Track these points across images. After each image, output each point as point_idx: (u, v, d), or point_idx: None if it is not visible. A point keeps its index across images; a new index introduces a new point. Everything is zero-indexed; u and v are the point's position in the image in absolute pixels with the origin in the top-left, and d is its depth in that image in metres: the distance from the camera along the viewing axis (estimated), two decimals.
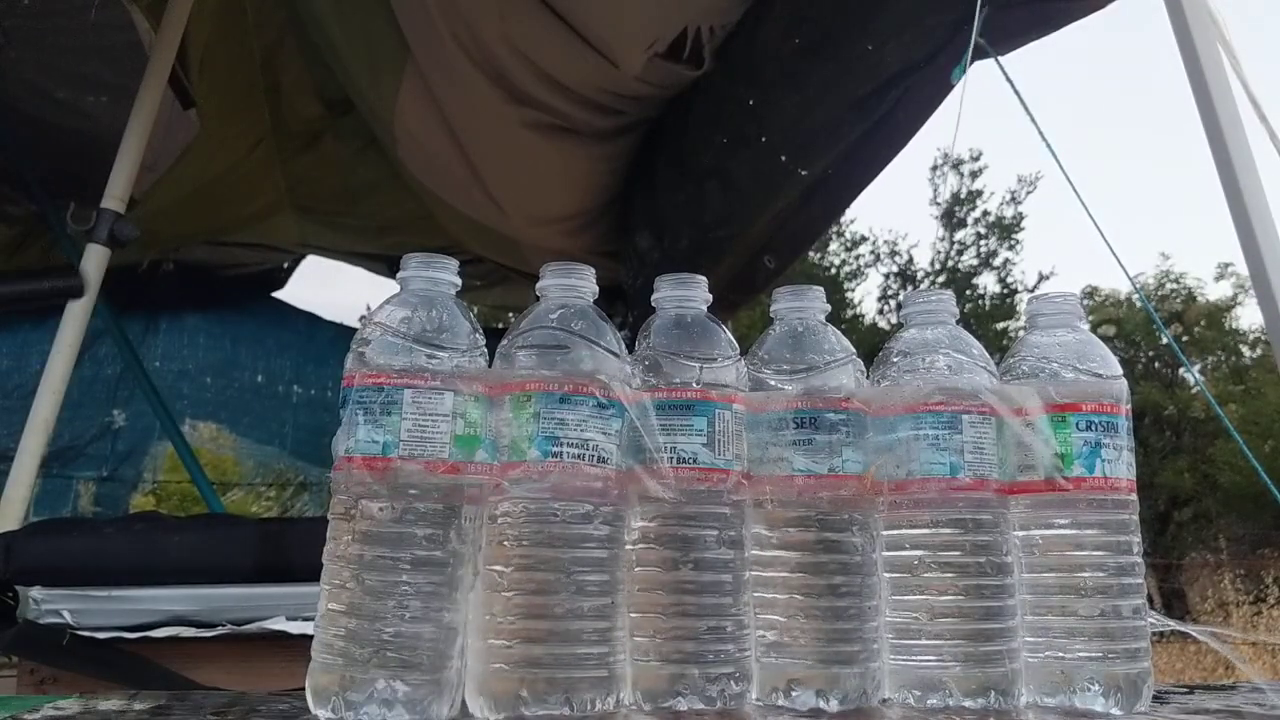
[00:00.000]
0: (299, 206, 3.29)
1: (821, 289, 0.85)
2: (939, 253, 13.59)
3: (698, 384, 0.77)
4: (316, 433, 3.63)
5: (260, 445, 3.69)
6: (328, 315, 3.83)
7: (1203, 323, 12.46)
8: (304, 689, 0.71)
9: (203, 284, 3.66)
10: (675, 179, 2.63)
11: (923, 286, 12.38)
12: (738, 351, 0.80)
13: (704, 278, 0.83)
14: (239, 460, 3.90)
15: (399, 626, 0.68)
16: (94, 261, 2.07)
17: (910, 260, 13.74)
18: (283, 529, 1.43)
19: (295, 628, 1.31)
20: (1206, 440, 11.21)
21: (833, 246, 13.35)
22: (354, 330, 0.75)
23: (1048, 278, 13.04)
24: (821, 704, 0.76)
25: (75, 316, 2.04)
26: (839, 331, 0.84)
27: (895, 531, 0.81)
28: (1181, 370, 12.09)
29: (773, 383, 0.81)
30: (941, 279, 13.15)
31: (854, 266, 13.76)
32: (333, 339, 3.67)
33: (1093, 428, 0.81)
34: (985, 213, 13.32)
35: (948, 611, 0.78)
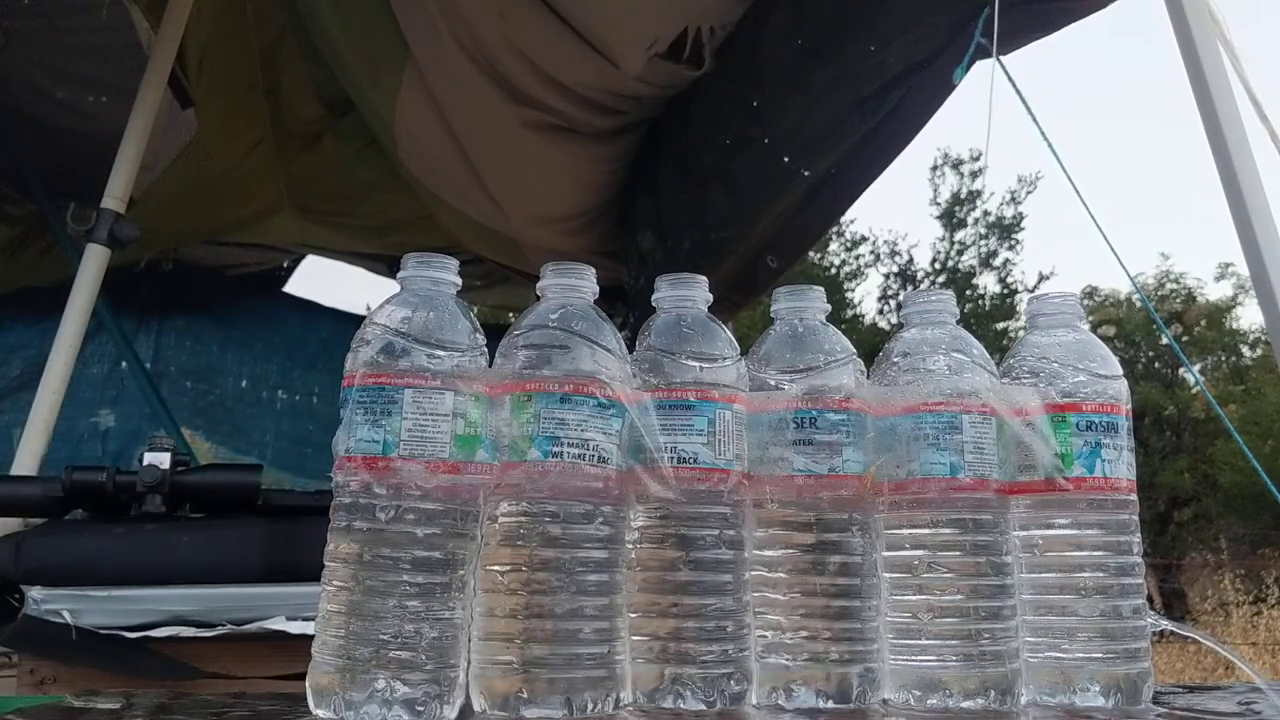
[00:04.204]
0: (299, 206, 3.28)
1: (821, 289, 0.85)
2: (939, 253, 13.60)
3: (698, 384, 0.77)
4: (299, 442, 3.54)
5: (238, 456, 3.52)
6: None
7: (1203, 323, 12.46)
8: (304, 688, 0.71)
9: (201, 284, 3.64)
10: (678, 180, 2.63)
11: (923, 286, 12.38)
12: (738, 351, 0.80)
13: (704, 277, 0.83)
14: None
15: (399, 626, 0.68)
16: (94, 261, 2.07)
17: (910, 260, 13.75)
18: (293, 528, 1.43)
19: (295, 627, 1.31)
20: (1206, 440, 11.21)
21: (833, 246, 13.35)
22: (352, 318, 0.75)
23: (1048, 278, 13.05)
24: (821, 704, 0.76)
25: (75, 317, 2.04)
26: (839, 331, 0.84)
27: (895, 531, 0.81)
28: (1181, 370, 12.10)
29: (773, 383, 0.81)
30: (941, 279, 13.15)
31: (854, 266, 13.76)
32: (326, 340, 3.62)
33: (1093, 428, 0.81)
34: (985, 213, 13.32)
35: (948, 611, 0.78)
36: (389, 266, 3.60)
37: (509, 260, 3.35)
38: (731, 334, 0.81)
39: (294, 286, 3.88)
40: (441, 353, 0.72)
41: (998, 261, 13.32)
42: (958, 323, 0.86)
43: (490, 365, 0.75)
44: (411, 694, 0.68)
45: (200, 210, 3.15)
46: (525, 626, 0.70)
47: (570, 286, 0.78)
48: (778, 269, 2.43)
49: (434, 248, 0.90)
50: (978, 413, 0.80)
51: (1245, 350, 12.67)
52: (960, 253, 13.44)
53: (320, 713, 0.69)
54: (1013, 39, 1.70)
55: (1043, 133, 1.60)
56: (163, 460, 1.47)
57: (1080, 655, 0.79)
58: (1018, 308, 12.50)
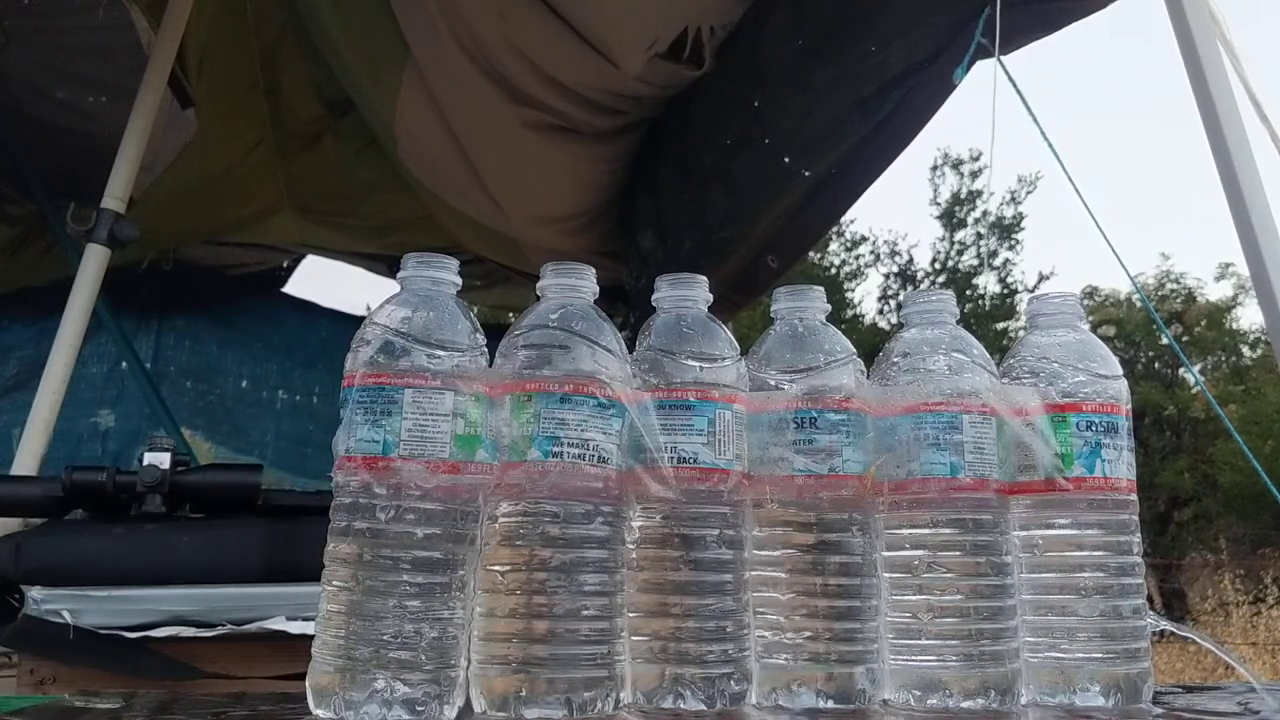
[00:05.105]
0: (299, 206, 3.28)
1: (821, 289, 0.85)
2: (939, 253, 13.59)
3: (698, 384, 0.77)
4: (299, 442, 3.53)
5: (238, 456, 3.52)
6: None
7: (1203, 323, 12.46)
8: (304, 688, 0.71)
9: (201, 284, 3.64)
10: (678, 180, 2.63)
11: (923, 286, 12.38)
12: (738, 351, 0.80)
13: (704, 278, 0.83)
14: None
15: (399, 626, 0.68)
16: (94, 261, 2.07)
17: (910, 260, 13.75)
18: (293, 528, 1.43)
19: (295, 627, 1.31)
20: (1206, 440, 11.20)
21: (833, 246, 13.35)
22: (351, 319, 0.75)
23: (1048, 278, 13.05)
24: (821, 704, 0.76)
25: (75, 317, 2.04)
26: (839, 331, 0.84)
27: (895, 531, 0.81)
28: (1181, 370, 12.09)
29: (773, 383, 0.81)
30: (941, 279, 13.15)
31: (854, 266, 13.76)
32: (325, 340, 3.61)
33: (1093, 428, 0.81)
34: (985, 213, 13.32)
35: (948, 611, 0.78)
36: (389, 266, 3.60)
37: (509, 260, 3.35)
38: (731, 334, 0.81)
39: (294, 286, 3.89)
40: (441, 353, 0.72)
41: (998, 261, 13.32)
42: (958, 323, 0.86)
43: (490, 365, 0.75)
44: (411, 694, 0.68)
45: (200, 210, 3.15)
46: (525, 626, 0.70)
47: (570, 286, 0.78)
48: (778, 269, 2.43)
49: (434, 248, 0.90)
50: (978, 413, 0.80)
51: (1245, 350, 12.67)
52: (960, 253, 13.45)
53: (320, 713, 0.69)
54: (1013, 39, 1.70)
55: (1043, 132, 1.60)
56: (163, 460, 1.47)
57: (1080, 655, 0.79)
58: (1018, 308, 12.50)
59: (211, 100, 2.70)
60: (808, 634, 0.77)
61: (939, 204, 13.47)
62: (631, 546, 0.76)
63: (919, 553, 0.79)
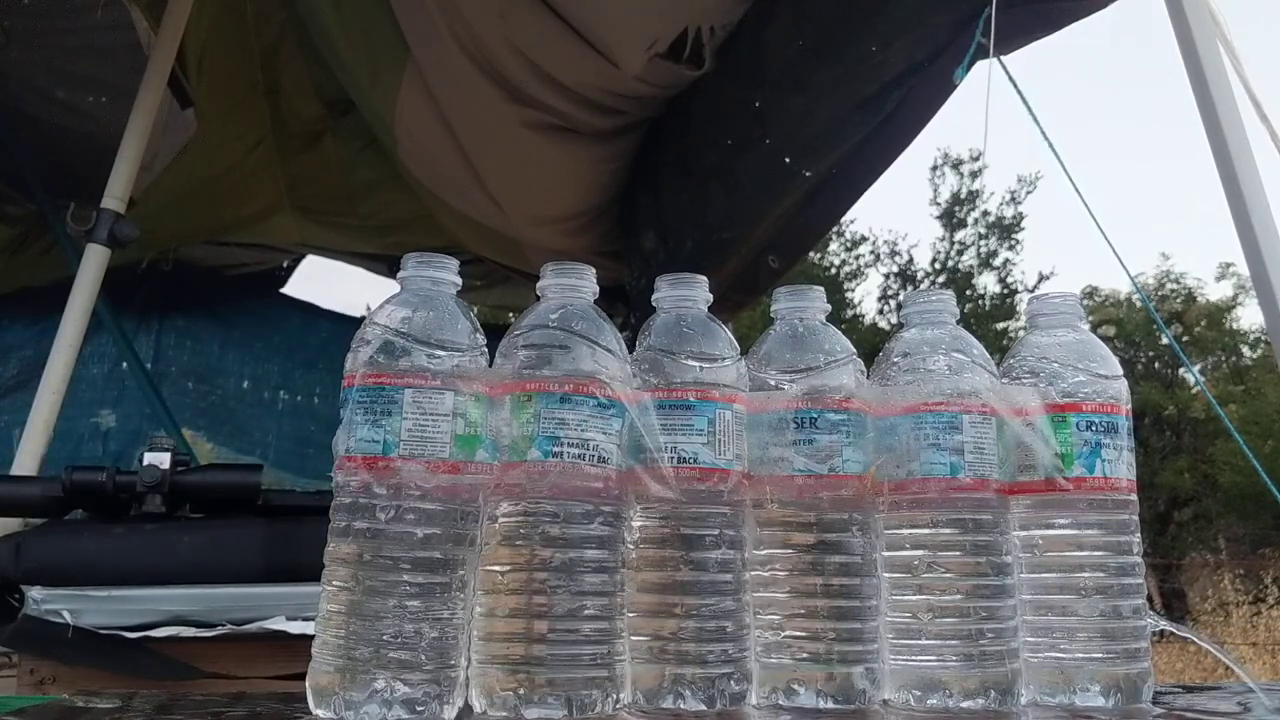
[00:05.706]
0: (299, 206, 3.28)
1: (821, 289, 0.85)
2: (939, 253, 13.59)
3: (698, 384, 0.77)
4: (301, 442, 3.54)
5: (239, 456, 3.53)
6: None
7: (1203, 323, 12.45)
8: (304, 688, 0.71)
9: (201, 284, 3.64)
10: (679, 180, 2.64)
11: (923, 286, 12.38)
12: (738, 351, 0.80)
13: (704, 277, 0.83)
14: None
15: (399, 626, 0.68)
16: (94, 261, 2.07)
17: (910, 260, 13.75)
18: (293, 528, 1.43)
19: (295, 627, 1.31)
20: (1206, 440, 11.20)
21: (833, 246, 13.35)
22: (351, 320, 0.75)
23: (1048, 278, 13.06)
24: (821, 704, 0.76)
25: (75, 317, 2.04)
26: (839, 331, 0.84)
27: (895, 531, 0.81)
28: (1181, 370, 12.09)
29: (773, 383, 0.81)
30: (941, 279, 13.15)
31: (854, 266, 13.75)
32: (325, 340, 3.62)
33: (1093, 428, 0.81)
34: (985, 213, 13.32)
35: (948, 611, 0.78)
36: (389, 266, 3.60)
37: (509, 260, 3.35)
38: (731, 334, 0.81)
39: (294, 287, 3.89)
40: (441, 353, 0.72)
41: (998, 261, 13.32)
42: (958, 323, 0.86)
43: (490, 365, 0.75)
44: (411, 694, 0.68)
45: (200, 210, 3.15)
46: (525, 626, 0.70)
47: (570, 286, 0.78)
48: (779, 269, 2.43)
49: (434, 248, 0.90)
50: (978, 413, 0.80)
51: (1245, 350, 12.66)
52: (960, 253, 13.44)
53: (320, 713, 0.69)
54: (1013, 39, 1.70)
55: (1043, 132, 1.60)
56: (163, 460, 1.47)
57: (1080, 655, 0.79)
58: (1018, 308, 12.50)
59: (211, 100, 2.70)
60: (808, 634, 0.77)
61: (939, 204, 13.48)
62: (631, 546, 0.76)
63: (919, 553, 0.79)
